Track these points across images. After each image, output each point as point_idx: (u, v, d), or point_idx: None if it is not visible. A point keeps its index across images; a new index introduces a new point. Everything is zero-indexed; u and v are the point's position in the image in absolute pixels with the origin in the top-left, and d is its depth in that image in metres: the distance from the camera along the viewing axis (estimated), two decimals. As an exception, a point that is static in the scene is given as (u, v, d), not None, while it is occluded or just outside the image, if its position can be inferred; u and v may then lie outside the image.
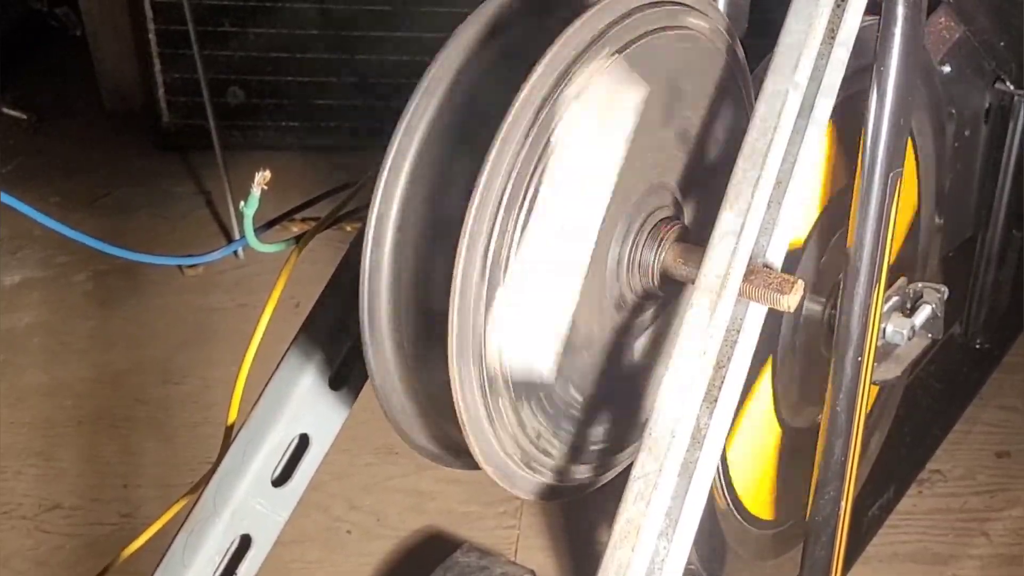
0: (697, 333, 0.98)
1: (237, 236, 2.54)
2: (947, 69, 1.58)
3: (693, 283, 1.01)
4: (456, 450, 1.12)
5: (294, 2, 2.77)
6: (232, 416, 1.33)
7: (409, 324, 1.07)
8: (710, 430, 0.97)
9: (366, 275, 1.05)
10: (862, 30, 1.08)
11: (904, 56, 1.12)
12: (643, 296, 1.13)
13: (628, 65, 1.04)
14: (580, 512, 1.84)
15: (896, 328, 1.35)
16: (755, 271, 1.00)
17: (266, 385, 1.29)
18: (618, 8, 1.03)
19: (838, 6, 1.06)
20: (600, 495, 1.20)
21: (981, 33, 1.63)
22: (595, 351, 1.12)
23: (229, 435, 1.31)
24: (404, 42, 2.74)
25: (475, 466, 1.06)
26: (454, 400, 1.00)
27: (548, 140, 0.99)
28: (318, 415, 1.29)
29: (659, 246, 1.11)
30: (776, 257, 1.02)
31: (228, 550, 1.27)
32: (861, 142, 1.15)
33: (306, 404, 1.28)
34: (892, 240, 1.19)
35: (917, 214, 1.56)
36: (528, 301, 1.03)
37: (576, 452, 1.14)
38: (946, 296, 1.42)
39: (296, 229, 1.95)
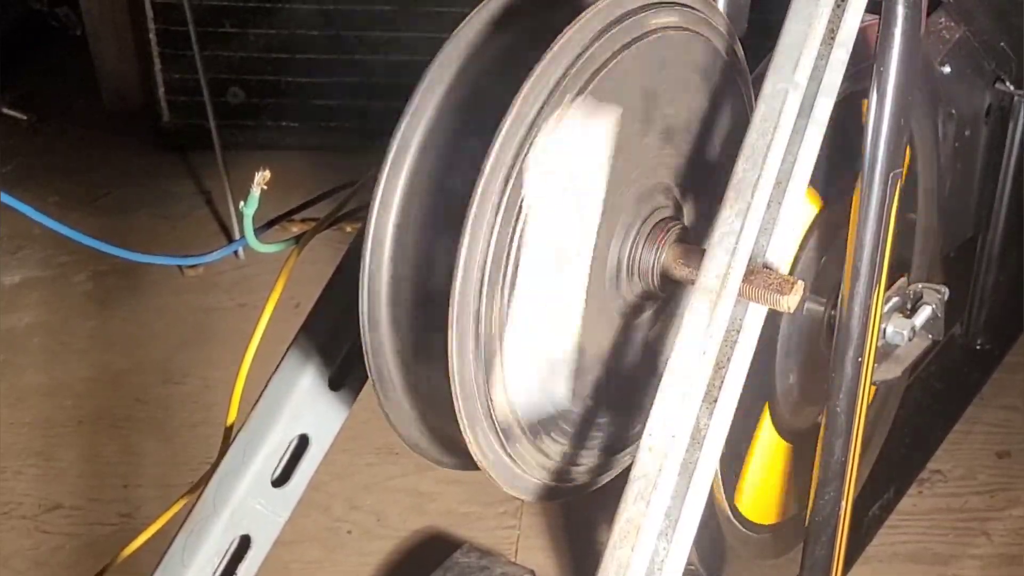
0: (697, 333, 0.98)
1: (237, 236, 2.54)
2: (947, 69, 1.58)
3: (693, 284, 1.01)
4: (456, 450, 1.12)
5: (294, 2, 2.76)
6: (232, 416, 1.33)
7: (409, 324, 1.07)
8: (710, 430, 0.97)
9: (366, 276, 1.05)
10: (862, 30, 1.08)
11: (904, 56, 1.12)
12: (643, 297, 1.13)
13: (594, 99, 1.01)
14: (580, 512, 1.84)
15: (896, 329, 1.35)
16: (755, 271, 0.99)
17: (266, 385, 1.29)
18: (577, 41, 0.98)
19: (838, 6, 1.06)
20: (600, 495, 1.20)
21: (981, 33, 1.63)
22: (604, 363, 1.12)
23: (229, 435, 1.31)
24: (404, 42, 2.74)
25: (475, 467, 1.06)
26: (477, 463, 1.03)
27: (520, 206, 0.97)
28: (318, 415, 1.29)
29: (658, 247, 1.10)
30: (776, 257, 1.02)
31: (228, 550, 1.27)
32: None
33: (306, 404, 1.28)
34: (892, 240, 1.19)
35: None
36: (530, 350, 1.03)
37: (583, 455, 1.15)
38: (946, 297, 1.42)
39: (296, 229, 1.95)
